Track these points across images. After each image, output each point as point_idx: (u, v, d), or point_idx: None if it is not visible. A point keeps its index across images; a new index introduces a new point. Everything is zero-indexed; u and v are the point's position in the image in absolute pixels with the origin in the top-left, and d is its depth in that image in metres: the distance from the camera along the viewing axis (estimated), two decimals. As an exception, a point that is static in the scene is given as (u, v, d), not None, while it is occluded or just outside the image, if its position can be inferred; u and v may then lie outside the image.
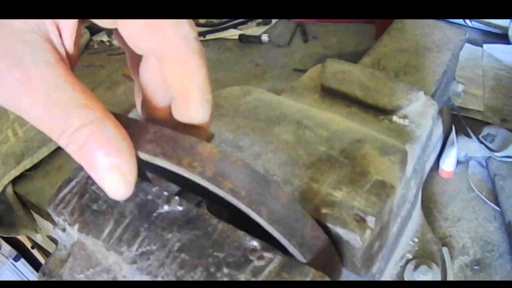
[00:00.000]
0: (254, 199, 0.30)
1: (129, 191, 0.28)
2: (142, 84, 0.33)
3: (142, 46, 0.30)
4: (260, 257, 0.31)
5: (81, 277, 0.34)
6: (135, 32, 0.29)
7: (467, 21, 0.92)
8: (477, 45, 0.90)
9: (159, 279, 0.32)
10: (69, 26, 0.27)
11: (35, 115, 0.26)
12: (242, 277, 0.31)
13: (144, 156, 0.30)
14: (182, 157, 0.29)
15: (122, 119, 0.29)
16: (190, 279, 0.31)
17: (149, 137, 0.30)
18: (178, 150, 0.30)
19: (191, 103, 0.31)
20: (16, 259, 1.20)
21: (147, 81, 0.33)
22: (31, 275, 1.25)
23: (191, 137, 0.30)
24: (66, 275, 0.35)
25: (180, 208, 0.34)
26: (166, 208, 0.34)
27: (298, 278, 0.30)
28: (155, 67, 0.31)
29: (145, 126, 0.31)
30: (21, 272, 1.24)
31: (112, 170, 0.27)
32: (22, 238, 1.11)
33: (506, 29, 0.88)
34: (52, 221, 0.77)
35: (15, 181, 0.81)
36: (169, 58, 0.30)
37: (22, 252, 1.20)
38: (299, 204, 0.33)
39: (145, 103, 0.34)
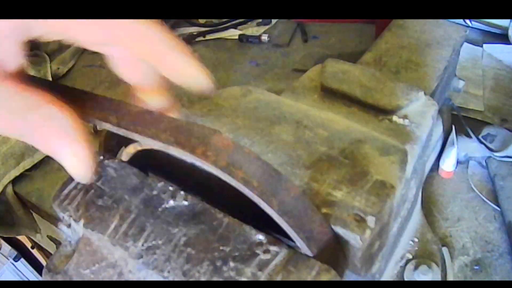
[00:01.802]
0: (265, 190, 0.30)
1: (88, 173, 0.31)
2: (131, 84, 0.34)
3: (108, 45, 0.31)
4: (266, 251, 0.31)
5: (86, 272, 0.34)
6: (93, 33, 0.30)
7: (467, 21, 0.92)
8: (477, 45, 0.90)
9: (165, 273, 0.32)
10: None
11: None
12: (248, 270, 0.31)
13: (158, 144, 0.30)
14: (196, 146, 0.29)
15: (135, 108, 0.30)
16: (197, 273, 0.31)
17: (163, 126, 0.30)
18: (192, 140, 0.30)
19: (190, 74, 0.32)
20: (16, 259, 1.20)
21: (130, 78, 0.34)
22: (31, 275, 1.25)
23: (205, 128, 0.31)
24: (72, 271, 0.35)
25: (186, 203, 0.35)
26: (171, 203, 0.35)
27: (304, 271, 0.30)
28: (125, 61, 0.32)
29: (160, 116, 0.31)
30: (21, 272, 1.24)
31: (72, 157, 0.30)
32: (22, 238, 1.11)
33: (506, 29, 0.88)
34: (52, 220, 0.77)
35: (15, 181, 0.80)
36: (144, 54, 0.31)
37: (22, 252, 1.21)
38: (308, 199, 0.33)
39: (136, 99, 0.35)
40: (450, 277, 0.56)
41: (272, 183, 0.31)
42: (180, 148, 0.29)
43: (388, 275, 0.54)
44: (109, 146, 0.42)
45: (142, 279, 0.33)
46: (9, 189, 0.80)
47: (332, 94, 0.55)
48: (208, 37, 1.05)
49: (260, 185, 0.30)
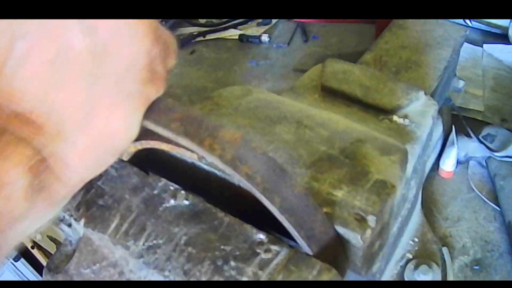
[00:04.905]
0: (268, 187, 0.30)
1: None
2: None
3: None
4: (267, 250, 0.31)
5: (87, 272, 0.34)
6: None
7: (467, 21, 0.92)
8: (477, 45, 0.90)
9: (166, 273, 0.32)
10: None
11: None
12: (249, 270, 0.31)
13: (167, 133, 0.30)
14: (203, 138, 0.29)
15: None
16: (197, 273, 0.31)
17: (175, 116, 0.30)
18: (201, 132, 0.30)
19: None
20: (16, 259, 1.20)
21: None
22: (31, 275, 1.25)
23: (216, 121, 0.31)
24: (72, 270, 0.35)
25: (187, 202, 0.35)
26: (172, 202, 0.35)
27: (305, 270, 0.30)
28: None
29: (173, 105, 0.31)
30: (21, 272, 1.24)
31: None
32: (22, 238, 1.10)
33: (506, 29, 0.88)
34: (52, 220, 0.77)
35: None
36: None
37: (22, 252, 1.20)
38: (311, 198, 0.33)
39: None
40: (450, 277, 0.56)
41: (275, 180, 0.30)
42: (189, 139, 0.29)
43: (389, 275, 0.54)
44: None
45: (142, 278, 0.33)
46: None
47: (332, 94, 0.55)
48: (208, 37, 1.05)
49: (264, 181, 0.30)
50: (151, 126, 0.30)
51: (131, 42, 0.27)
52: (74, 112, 0.26)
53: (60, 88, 0.26)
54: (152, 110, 0.30)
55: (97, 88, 0.26)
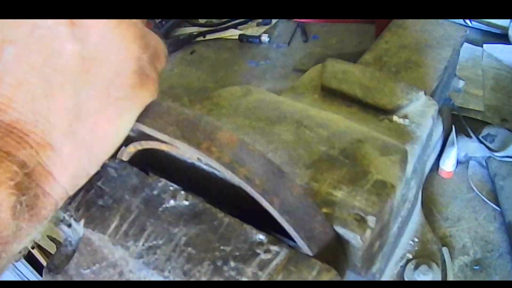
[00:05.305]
0: (267, 188, 0.30)
1: None
2: None
3: None
4: (267, 250, 0.32)
5: (87, 272, 0.34)
6: None
7: (467, 21, 0.92)
8: (477, 45, 0.90)
9: (166, 273, 0.32)
10: None
11: None
12: (249, 270, 0.31)
13: (164, 137, 0.30)
14: (201, 141, 0.30)
15: None
16: (197, 273, 0.31)
17: (171, 119, 0.30)
18: (198, 134, 0.30)
19: None
20: (16, 259, 1.20)
21: None
22: (31, 275, 1.25)
23: (212, 123, 0.31)
24: (72, 271, 0.35)
25: (186, 203, 0.35)
26: (172, 202, 0.35)
27: (305, 271, 0.30)
28: None
29: (168, 108, 0.31)
30: (21, 272, 1.24)
31: None
32: (22, 238, 1.10)
33: (506, 29, 0.88)
34: (52, 220, 0.77)
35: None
36: None
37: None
38: (310, 199, 0.33)
39: None
40: (450, 277, 0.56)
41: (274, 181, 0.31)
42: (186, 143, 0.29)
43: (388, 275, 0.54)
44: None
45: (142, 278, 0.33)
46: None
47: (332, 94, 0.55)
48: (208, 37, 1.05)
49: (262, 183, 0.30)
50: (147, 130, 0.30)
51: (119, 48, 0.27)
52: (61, 119, 0.26)
53: (48, 95, 0.25)
54: (147, 114, 0.30)
55: (85, 94, 0.26)
